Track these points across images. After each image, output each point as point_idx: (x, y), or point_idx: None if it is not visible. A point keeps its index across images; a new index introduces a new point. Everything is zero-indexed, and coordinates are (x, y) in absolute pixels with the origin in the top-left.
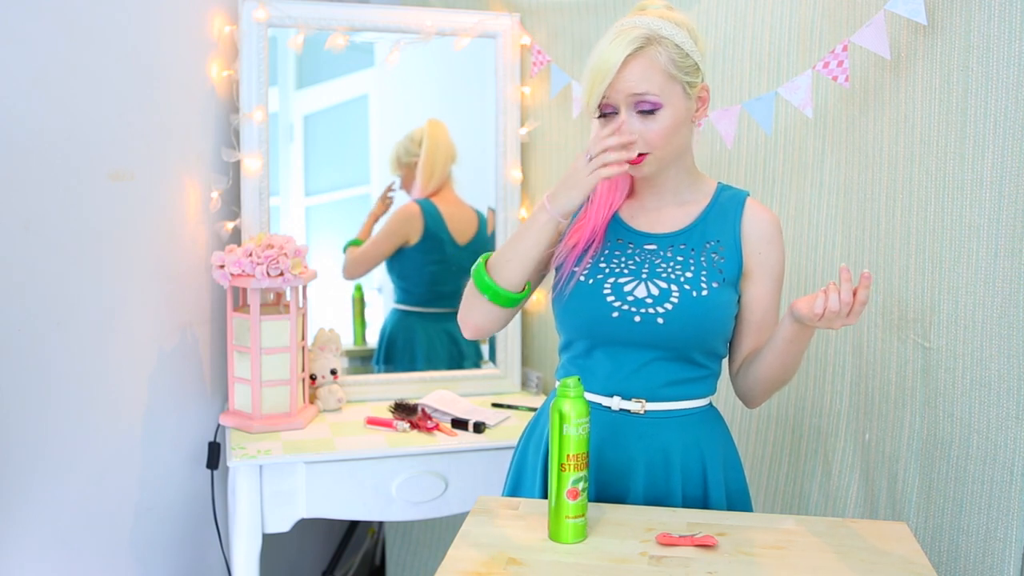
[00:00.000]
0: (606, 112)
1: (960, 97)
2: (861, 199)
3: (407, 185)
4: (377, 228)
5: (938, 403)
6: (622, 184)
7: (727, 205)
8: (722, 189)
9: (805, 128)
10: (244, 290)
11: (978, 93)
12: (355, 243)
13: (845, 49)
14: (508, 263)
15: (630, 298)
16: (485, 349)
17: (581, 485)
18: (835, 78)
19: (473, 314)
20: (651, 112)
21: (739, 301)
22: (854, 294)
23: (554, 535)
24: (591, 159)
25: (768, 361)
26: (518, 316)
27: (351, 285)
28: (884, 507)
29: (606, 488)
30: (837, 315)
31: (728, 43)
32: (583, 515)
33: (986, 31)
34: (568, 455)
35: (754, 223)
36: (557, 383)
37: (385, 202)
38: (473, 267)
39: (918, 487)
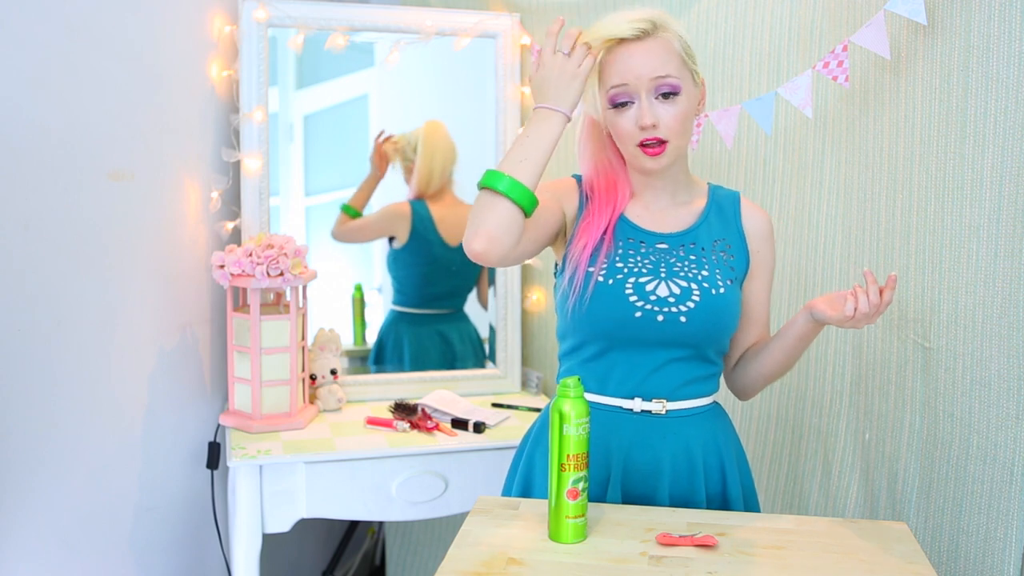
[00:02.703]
0: (619, 102)
1: (960, 97)
2: (861, 199)
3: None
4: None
5: (938, 403)
6: (625, 182)
7: (724, 204)
8: (714, 188)
9: (805, 128)
10: (244, 290)
11: (978, 93)
12: (347, 209)
13: (845, 49)
14: (522, 162)
15: (652, 297)
16: (485, 349)
17: (581, 485)
18: (835, 78)
19: (486, 222)
20: (670, 97)
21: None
22: (880, 294)
23: (554, 535)
24: (567, 52)
25: (774, 357)
26: (518, 316)
27: (351, 285)
28: (884, 507)
29: (634, 490)
30: (866, 316)
31: (728, 43)
32: (583, 515)
33: (986, 31)
34: (568, 455)
35: (753, 221)
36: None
37: (381, 155)
38: (481, 176)
39: (918, 487)
